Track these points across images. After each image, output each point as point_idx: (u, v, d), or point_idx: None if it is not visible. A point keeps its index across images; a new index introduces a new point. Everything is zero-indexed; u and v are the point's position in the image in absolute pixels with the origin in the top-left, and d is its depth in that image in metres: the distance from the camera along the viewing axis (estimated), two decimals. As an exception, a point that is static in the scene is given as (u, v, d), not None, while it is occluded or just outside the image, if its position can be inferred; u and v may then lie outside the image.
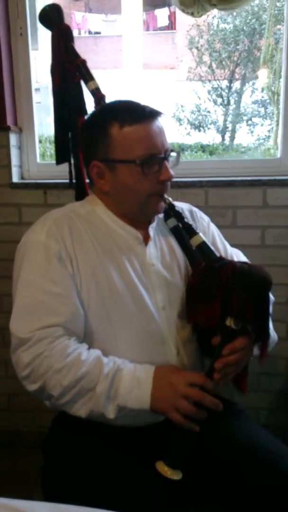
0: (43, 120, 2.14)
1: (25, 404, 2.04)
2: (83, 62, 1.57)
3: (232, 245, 1.39)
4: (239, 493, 1.04)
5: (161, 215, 1.26)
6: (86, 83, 1.57)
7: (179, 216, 1.21)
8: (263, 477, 1.03)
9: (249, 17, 7.58)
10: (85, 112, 1.61)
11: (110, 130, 1.11)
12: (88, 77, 1.56)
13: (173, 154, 1.18)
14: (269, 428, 1.21)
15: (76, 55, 1.58)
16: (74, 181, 1.69)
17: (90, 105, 1.58)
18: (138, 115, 1.11)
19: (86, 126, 1.22)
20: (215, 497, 1.09)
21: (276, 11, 5.68)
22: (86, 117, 1.39)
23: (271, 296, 1.29)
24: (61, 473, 1.08)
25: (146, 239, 1.22)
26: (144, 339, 1.14)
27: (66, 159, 1.68)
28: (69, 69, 1.57)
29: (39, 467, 1.17)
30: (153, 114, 1.13)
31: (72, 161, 1.67)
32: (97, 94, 1.54)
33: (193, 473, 1.04)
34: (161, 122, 1.15)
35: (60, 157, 1.68)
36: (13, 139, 1.97)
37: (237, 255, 1.38)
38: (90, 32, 10.85)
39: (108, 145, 1.12)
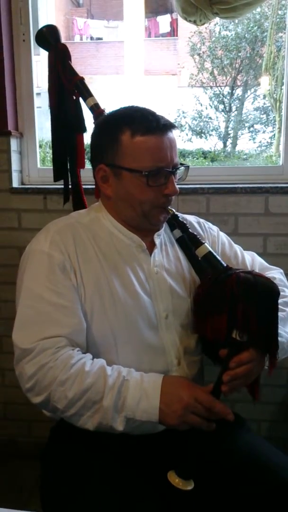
0: (44, 124, 2.14)
1: (21, 413, 2.00)
2: (81, 80, 1.58)
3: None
4: (242, 504, 1.02)
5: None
6: (85, 100, 1.58)
7: (183, 226, 1.19)
8: (266, 488, 1.02)
9: (251, 25, 7.62)
10: (84, 129, 1.62)
11: (121, 136, 1.10)
12: (87, 94, 1.57)
13: (181, 168, 1.17)
14: (270, 440, 1.19)
15: (74, 73, 1.59)
16: (69, 197, 1.69)
17: (89, 122, 1.57)
18: (152, 126, 1.10)
19: (98, 128, 1.21)
20: (218, 508, 1.07)
21: (278, 19, 5.71)
22: (95, 124, 1.38)
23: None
24: (60, 484, 1.06)
25: (152, 246, 1.21)
26: (145, 349, 1.13)
27: (63, 176, 1.69)
28: (68, 87, 1.58)
29: (35, 478, 1.15)
30: (166, 127, 1.11)
31: (70, 179, 1.68)
32: (96, 110, 1.54)
33: (195, 484, 1.02)
34: (174, 134, 1.13)
35: (58, 175, 1.69)
36: (13, 144, 1.96)
37: (253, 257, 1.38)
38: (92, 38, 10.90)
39: (116, 151, 1.11)
